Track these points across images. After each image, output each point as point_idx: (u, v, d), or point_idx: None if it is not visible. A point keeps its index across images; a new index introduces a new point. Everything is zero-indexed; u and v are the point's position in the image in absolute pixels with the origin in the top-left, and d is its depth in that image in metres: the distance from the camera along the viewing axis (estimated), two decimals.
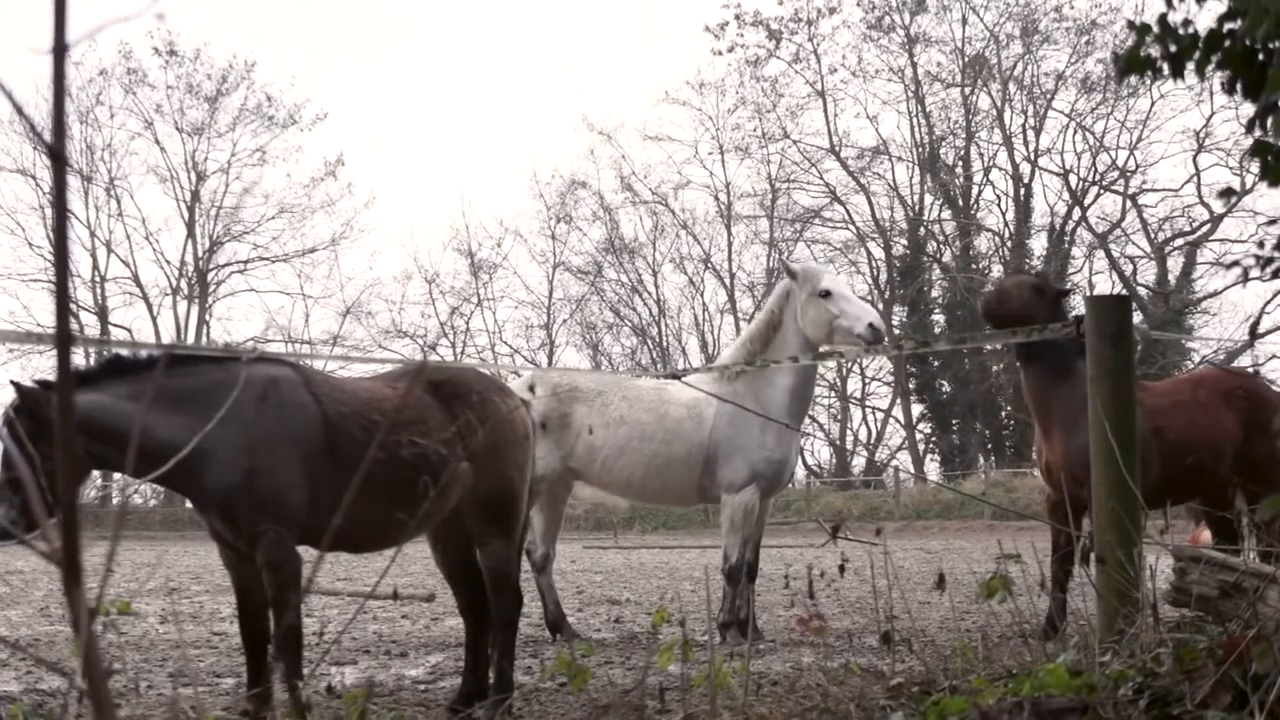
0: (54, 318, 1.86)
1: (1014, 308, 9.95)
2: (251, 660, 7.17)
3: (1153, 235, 59.22)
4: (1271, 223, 4.28)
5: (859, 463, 64.49)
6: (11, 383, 6.43)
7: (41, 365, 58.31)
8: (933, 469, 61.04)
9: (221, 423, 6.34)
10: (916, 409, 61.24)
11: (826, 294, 11.34)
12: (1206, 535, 12.15)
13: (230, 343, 57.39)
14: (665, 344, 66.48)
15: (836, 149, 62.72)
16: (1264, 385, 10.94)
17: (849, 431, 66.45)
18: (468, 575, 7.78)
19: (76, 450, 1.86)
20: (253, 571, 7.01)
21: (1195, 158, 57.25)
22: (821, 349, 11.59)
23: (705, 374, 12.34)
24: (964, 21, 60.96)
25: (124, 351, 6.98)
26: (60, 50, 1.77)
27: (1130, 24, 4.15)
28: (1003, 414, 58.12)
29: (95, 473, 7.26)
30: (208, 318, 63.99)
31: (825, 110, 62.72)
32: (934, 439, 60.90)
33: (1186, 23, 4.05)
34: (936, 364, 58.94)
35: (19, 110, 2.07)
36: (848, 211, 63.40)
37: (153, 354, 7.21)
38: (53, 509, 6.15)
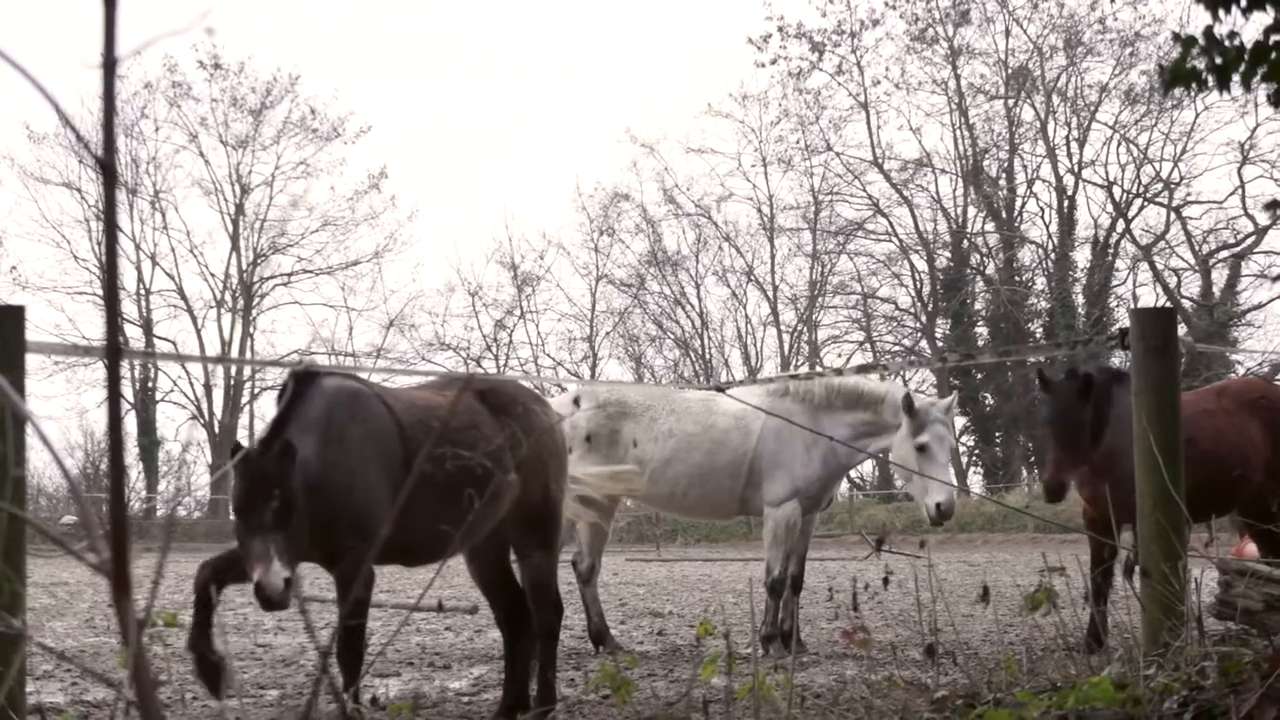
0: (104, 329, 1.88)
1: None
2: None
3: (1197, 247, 58.94)
4: None
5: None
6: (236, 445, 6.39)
7: (87, 377, 58.68)
8: (976, 481, 60.81)
9: (331, 445, 6.41)
10: (960, 421, 61.03)
11: (923, 449, 11.24)
12: (1251, 548, 12.07)
13: (276, 356, 57.69)
14: (708, 356, 66.33)
15: (879, 161, 62.64)
16: None
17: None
18: (504, 587, 7.78)
19: (125, 460, 1.87)
20: None
21: (1240, 170, 57.09)
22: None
23: (758, 388, 12.32)
24: (1007, 33, 60.79)
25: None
26: (110, 64, 1.79)
27: (1175, 36, 4.14)
28: None
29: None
30: (252, 330, 64.19)
31: (868, 122, 62.65)
32: (977, 451, 60.68)
33: (1233, 35, 4.03)
34: (980, 377, 58.66)
35: (67, 122, 2.09)
36: (891, 224, 63.32)
37: (281, 387, 7.05)
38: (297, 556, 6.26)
